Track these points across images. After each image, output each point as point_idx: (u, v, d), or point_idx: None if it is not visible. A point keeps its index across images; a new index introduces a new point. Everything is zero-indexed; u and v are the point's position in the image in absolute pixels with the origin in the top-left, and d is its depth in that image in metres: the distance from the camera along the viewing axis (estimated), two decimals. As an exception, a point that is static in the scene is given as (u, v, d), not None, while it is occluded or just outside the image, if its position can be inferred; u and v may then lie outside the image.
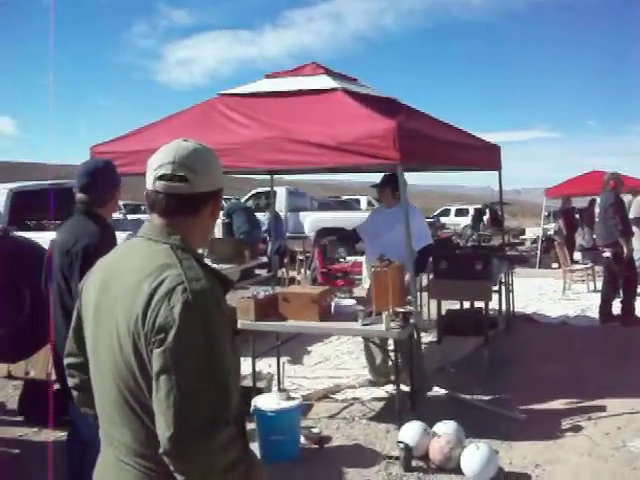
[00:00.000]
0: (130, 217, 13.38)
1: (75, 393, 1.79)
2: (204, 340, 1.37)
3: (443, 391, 5.25)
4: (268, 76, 6.21)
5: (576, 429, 4.52)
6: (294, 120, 5.17)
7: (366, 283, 5.55)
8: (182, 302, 1.37)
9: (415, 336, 4.87)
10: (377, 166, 5.27)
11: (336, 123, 4.96)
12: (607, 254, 7.83)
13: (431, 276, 6.83)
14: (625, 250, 7.54)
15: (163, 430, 1.34)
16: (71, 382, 1.78)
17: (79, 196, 3.00)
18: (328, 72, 5.93)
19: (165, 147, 1.58)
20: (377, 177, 5.70)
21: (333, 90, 5.49)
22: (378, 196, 5.70)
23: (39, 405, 4.66)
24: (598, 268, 10.74)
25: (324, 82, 5.69)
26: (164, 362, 1.34)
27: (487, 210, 25.67)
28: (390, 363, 5.29)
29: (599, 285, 9.76)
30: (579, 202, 16.42)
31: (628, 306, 7.85)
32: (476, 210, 26.56)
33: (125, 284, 1.47)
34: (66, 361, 1.78)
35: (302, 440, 4.33)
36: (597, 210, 8.05)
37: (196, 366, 1.36)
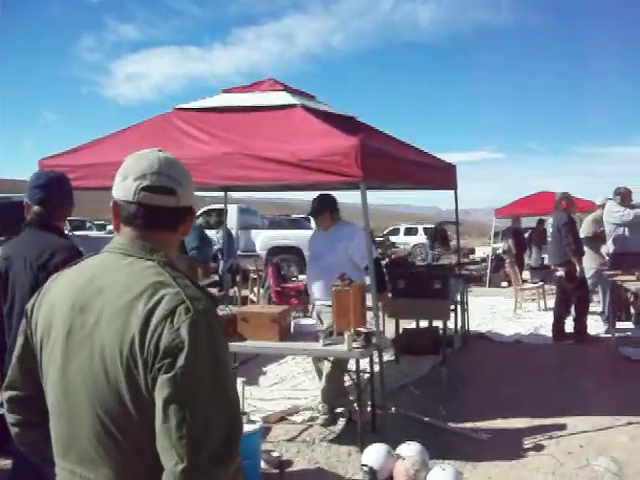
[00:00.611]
0: (77, 233, 13.01)
1: (16, 430, 1.58)
2: (213, 363, 1.26)
3: (404, 411, 5.18)
4: (225, 91, 6.10)
5: (538, 448, 4.50)
6: (253, 136, 5.07)
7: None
8: (188, 323, 1.25)
9: (377, 357, 4.78)
10: (338, 183, 5.21)
11: (297, 139, 4.88)
12: (560, 273, 7.94)
13: (388, 295, 6.78)
14: (577, 269, 7.67)
15: (174, 463, 1.20)
16: (12, 418, 1.57)
17: (35, 209, 2.81)
18: (286, 88, 5.86)
19: (142, 155, 1.45)
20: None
21: (292, 106, 5.43)
22: (316, 222, 5.38)
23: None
24: (547, 287, 10.93)
25: (283, 98, 5.62)
26: (174, 389, 1.22)
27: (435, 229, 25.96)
28: (347, 384, 5.22)
29: (549, 303, 9.93)
30: (527, 222, 16.75)
31: (580, 324, 7.96)
32: (431, 229, 26.84)
33: (110, 305, 1.32)
34: (6, 395, 1.57)
35: (262, 465, 4.19)
36: (550, 230, 8.16)
37: (208, 391, 1.24)
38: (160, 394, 1.23)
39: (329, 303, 4.90)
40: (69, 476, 1.40)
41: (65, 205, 2.94)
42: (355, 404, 4.78)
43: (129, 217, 1.43)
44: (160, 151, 1.48)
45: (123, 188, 1.43)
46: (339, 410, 5.18)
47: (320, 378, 5.40)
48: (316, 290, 5.15)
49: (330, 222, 5.16)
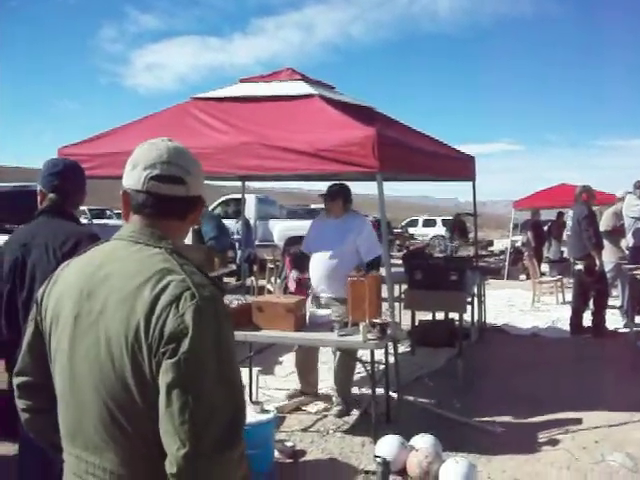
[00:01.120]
0: (96, 222, 13.12)
1: (27, 416, 1.60)
2: (218, 349, 1.27)
3: (419, 403, 5.18)
4: (243, 80, 6.10)
5: (554, 443, 4.47)
6: (270, 126, 5.07)
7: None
8: (193, 309, 1.26)
9: (392, 348, 4.78)
10: (355, 174, 5.18)
11: (313, 129, 4.87)
12: (579, 266, 7.86)
13: (404, 286, 6.76)
14: (597, 262, 7.58)
15: (177, 447, 1.21)
16: (23, 404, 1.59)
17: (51, 196, 2.80)
18: (305, 78, 5.85)
19: (151, 145, 1.46)
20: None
21: (310, 96, 5.41)
22: (327, 206, 5.27)
23: (1, 416, 4.42)
24: (566, 280, 10.83)
25: (301, 88, 5.61)
26: (178, 373, 1.22)
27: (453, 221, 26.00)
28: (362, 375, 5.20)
29: (568, 297, 9.84)
30: (546, 214, 16.61)
31: (599, 318, 7.89)
32: (449, 221, 26.87)
33: (116, 292, 1.34)
34: (17, 381, 1.58)
35: (276, 454, 4.21)
36: (569, 223, 8.06)
37: (212, 377, 1.24)
38: (164, 379, 1.23)
39: (335, 296, 4.88)
40: (75, 461, 1.41)
41: (78, 193, 2.91)
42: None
43: (138, 206, 1.45)
44: (170, 140, 1.49)
45: (132, 177, 1.44)
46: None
47: (302, 370, 5.45)
48: (322, 281, 5.10)
49: (341, 211, 5.15)
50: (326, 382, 5.78)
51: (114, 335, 1.30)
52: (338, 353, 5.00)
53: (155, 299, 1.28)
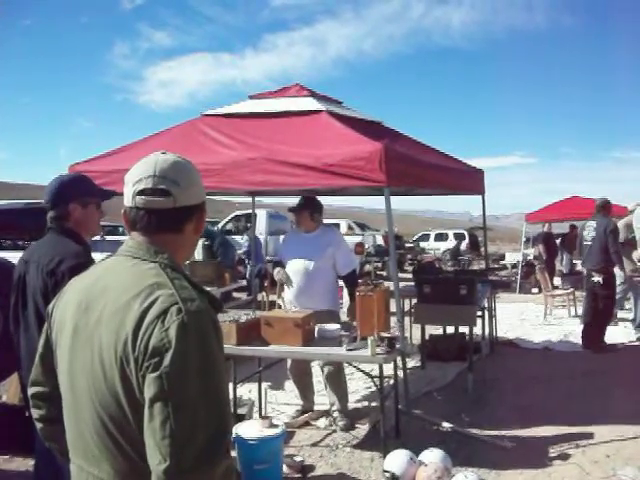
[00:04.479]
0: (108, 238, 13.18)
1: (40, 425, 1.64)
2: (202, 363, 1.27)
3: (428, 418, 5.15)
4: (252, 97, 6.16)
5: (564, 457, 4.43)
6: (278, 141, 5.11)
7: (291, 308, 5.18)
8: (178, 323, 1.27)
9: (400, 362, 4.76)
10: (363, 188, 5.20)
11: (321, 145, 4.90)
12: (596, 278, 7.77)
13: (414, 300, 6.74)
14: (618, 275, 7.51)
15: (158, 462, 1.21)
16: (36, 413, 1.64)
17: (48, 214, 2.84)
18: (313, 94, 5.89)
19: (143, 161, 1.49)
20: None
21: (318, 112, 5.46)
22: (295, 220, 5.35)
23: (11, 431, 4.45)
24: (579, 293, 10.75)
25: (309, 104, 5.66)
26: (159, 388, 1.23)
27: (466, 235, 26.13)
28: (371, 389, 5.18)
29: (580, 310, 9.77)
30: (558, 227, 16.56)
31: (598, 332, 7.81)
32: (460, 235, 27.08)
33: (110, 305, 1.36)
34: (31, 391, 1.63)
35: (284, 469, 4.20)
36: (592, 234, 7.87)
37: (194, 391, 1.24)
38: (147, 393, 1.24)
39: (314, 309, 4.86)
40: (77, 471, 1.45)
41: (72, 204, 2.83)
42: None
43: (132, 221, 1.48)
44: (164, 154, 1.51)
45: (126, 194, 1.48)
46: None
47: (302, 388, 5.42)
48: (300, 294, 5.09)
49: (311, 224, 5.18)
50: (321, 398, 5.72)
51: (105, 347, 1.32)
52: (326, 368, 5.02)
53: (143, 313, 1.29)
